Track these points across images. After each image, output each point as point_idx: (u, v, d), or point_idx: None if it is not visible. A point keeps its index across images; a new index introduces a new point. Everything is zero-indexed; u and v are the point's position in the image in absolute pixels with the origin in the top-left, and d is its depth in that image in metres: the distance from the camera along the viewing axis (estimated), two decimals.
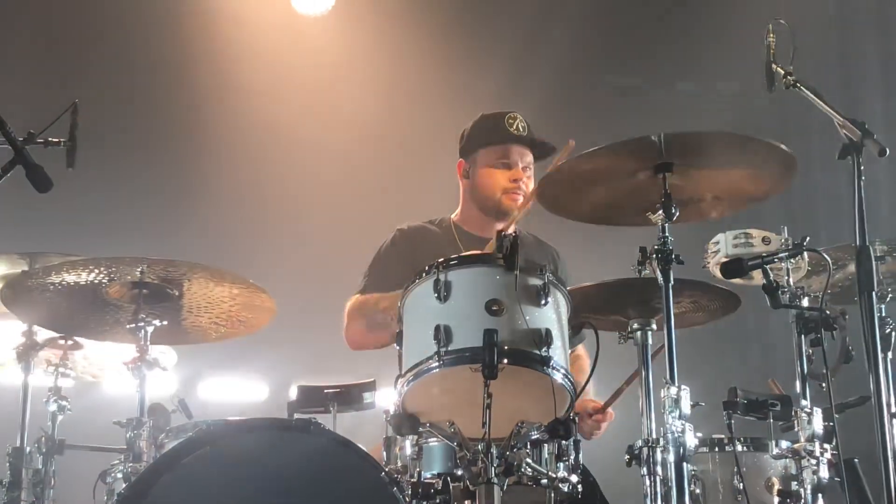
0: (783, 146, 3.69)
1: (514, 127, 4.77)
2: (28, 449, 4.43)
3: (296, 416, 4.16)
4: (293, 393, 4.30)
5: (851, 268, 3.98)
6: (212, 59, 7.52)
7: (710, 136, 3.81)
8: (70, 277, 4.15)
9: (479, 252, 3.90)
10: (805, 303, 3.98)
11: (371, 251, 4.94)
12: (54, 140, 3.57)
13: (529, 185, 4.77)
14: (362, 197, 7.53)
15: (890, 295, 4.29)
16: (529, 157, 4.80)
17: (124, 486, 3.93)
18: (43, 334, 4.57)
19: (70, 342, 4.66)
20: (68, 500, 4.58)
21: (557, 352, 3.38)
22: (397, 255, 4.75)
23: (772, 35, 3.88)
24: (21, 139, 3.45)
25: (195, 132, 7.50)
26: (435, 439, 3.47)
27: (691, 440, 3.55)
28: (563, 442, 3.48)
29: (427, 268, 3.48)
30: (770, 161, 3.78)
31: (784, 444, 3.93)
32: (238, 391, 7.68)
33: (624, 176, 3.79)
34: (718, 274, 4.03)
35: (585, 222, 4.11)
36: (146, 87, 7.46)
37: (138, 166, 7.40)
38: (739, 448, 3.98)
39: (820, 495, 3.85)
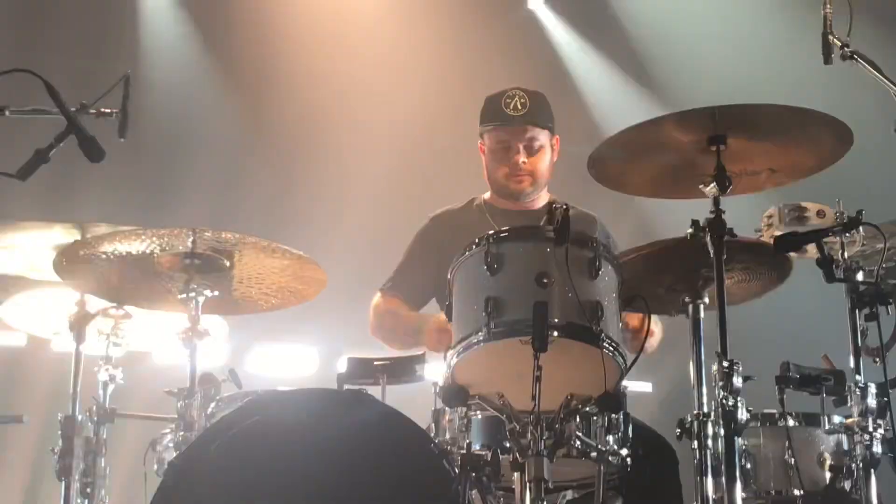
0: (837, 118, 3.64)
1: (511, 106, 4.71)
2: (80, 417, 4.47)
3: (345, 387, 4.17)
4: (343, 365, 4.31)
5: None
6: (266, 33, 7.53)
7: (765, 107, 3.75)
8: (122, 247, 4.17)
9: (529, 224, 3.89)
10: (860, 277, 3.93)
11: (420, 222, 4.95)
12: (106, 111, 3.58)
13: (539, 159, 4.74)
14: (413, 168, 7.53)
15: None
16: (531, 133, 4.74)
17: (175, 454, 3.96)
18: (95, 304, 4.61)
19: (122, 312, 4.69)
20: (119, 468, 4.63)
21: (608, 325, 3.36)
22: (423, 256, 4.79)
23: (829, 5, 3.83)
24: (74, 109, 3.46)
25: (247, 103, 7.53)
26: (484, 411, 3.47)
27: (743, 414, 3.52)
28: (613, 415, 3.46)
29: (477, 240, 3.47)
30: (825, 133, 3.73)
31: (837, 419, 3.90)
32: (288, 363, 7.72)
33: (677, 148, 3.76)
34: (772, 248, 3.99)
35: (637, 195, 4.08)
36: (197, 60, 7.49)
37: (190, 138, 7.44)
38: (791, 423, 3.94)
39: (872, 471, 3.81)
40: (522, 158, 4.71)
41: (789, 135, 3.75)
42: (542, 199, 4.83)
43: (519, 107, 4.70)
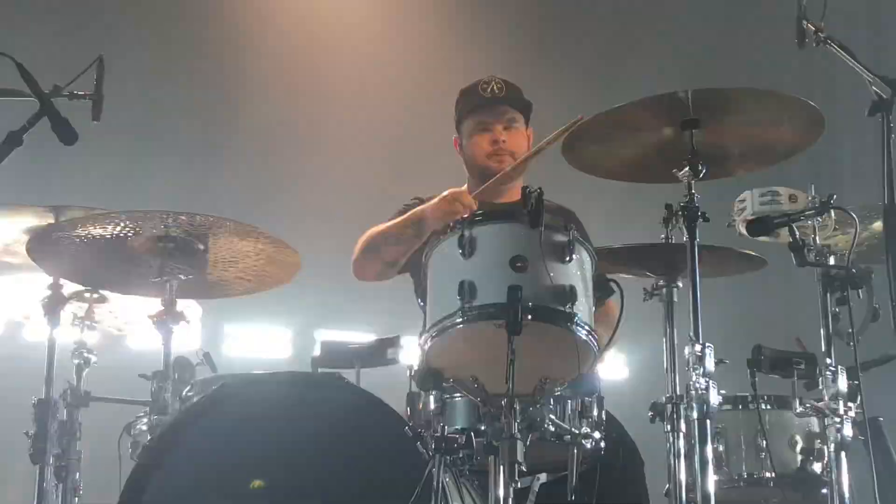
0: (810, 102, 3.66)
1: (489, 90, 4.72)
2: (54, 401, 4.46)
3: (320, 371, 4.18)
4: (318, 348, 4.32)
5: (878, 226, 3.96)
6: (238, 15, 7.51)
7: (738, 91, 3.77)
8: (96, 231, 4.16)
9: (503, 208, 3.89)
10: (831, 261, 3.96)
11: (395, 206, 4.94)
12: (80, 93, 3.56)
13: (517, 139, 4.74)
14: (388, 151, 7.52)
15: None
16: (510, 115, 4.74)
17: (149, 438, 3.96)
18: (69, 288, 4.60)
19: (96, 295, 4.68)
20: (94, 451, 4.62)
21: (582, 308, 3.37)
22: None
23: None
24: (47, 92, 3.45)
25: (220, 86, 7.50)
26: (458, 395, 3.47)
27: (715, 397, 3.54)
28: (587, 398, 3.47)
29: (452, 224, 3.47)
30: (797, 117, 3.75)
31: (808, 402, 3.92)
32: (263, 346, 7.71)
33: (650, 132, 3.77)
34: (744, 231, 4.01)
35: (611, 179, 4.09)
36: (172, 41, 7.45)
37: (164, 120, 7.41)
38: (763, 406, 3.98)
39: (843, 453, 3.84)
40: (503, 137, 4.72)
41: (762, 118, 3.76)
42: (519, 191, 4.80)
43: (496, 90, 4.71)
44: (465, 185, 4.92)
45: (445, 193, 4.29)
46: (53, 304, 4.55)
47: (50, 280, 4.56)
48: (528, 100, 4.78)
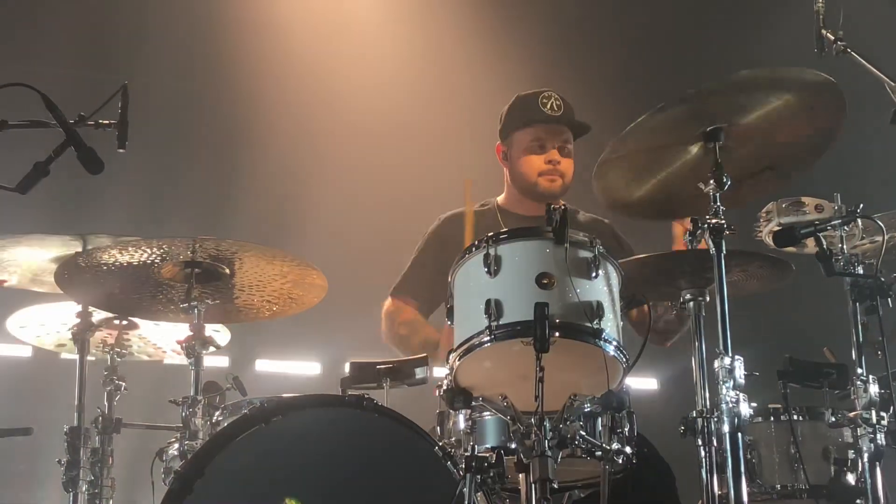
0: (829, 77, 3.58)
1: (549, 107, 4.70)
2: (85, 428, 4.48)
3: (349, 392, 4.18)
4: (346, 369, 4.32)
5: None
6: (261, 37, 7.54)
7: (748, 77, 3.69)
8: (123, 258, 4.18)
9: (527, 226, 3.89)
10: (860, 270, 3.94)
11: (422, 226, 4.95)
12: (105, 122, 3.58)
13: (570, 165, 4.74)
14: (414, 173, 7.53)
15: None
16: (566, 136, 4.75)
17: (180, 463, 3.97)
18: (98, 315, 4.62)
19: (125, 322, 4.71)
20: (126, 478, 4.64)
21: (609, 324, 3.37)
22: (433, 256, 4.78)
23: (820, 1, 3.83)
24: (72, 121, 3.47)
25: (246, 112, 7.53)
26: (488, 413, 3.47)
27: (746, 410, 3.52)
28: (617, 414, 3.46)
29: (477, 242, 3.47)
30: (818, 98, 3.66)
31: (840, 412, 3.90)
32: (291, 368, 7.73)
33: (674, 154, 3.75)
34: (771, 243, 4.00)
35: (644, 218, 4.06)
36: (195, 69, 7.49)
37: (189, 146, 7.45)
38: (795, 417, 3.96)
39: (877, 463, 3.82)
40: (558, 158, 4.71)
41: (781, 107, 3.69)
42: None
43: (556, 108, 4.70)
44: (502, 196, 4.91)
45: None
46: (82, 332, 4.59)
47: (79, 308, 4.58)
48: (582, 122, 4.76)
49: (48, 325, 4.83)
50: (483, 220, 4.79)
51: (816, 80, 3.61)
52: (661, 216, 4.15)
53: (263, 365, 7.56)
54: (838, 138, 3.77)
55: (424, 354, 4.31)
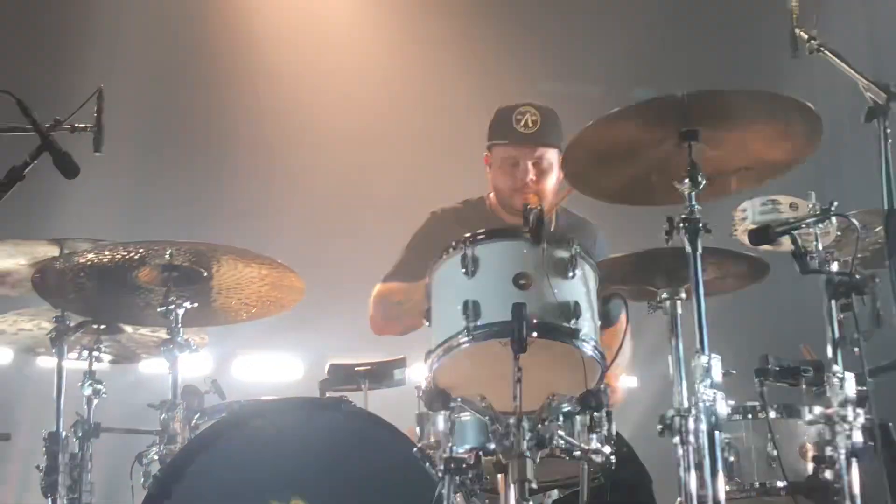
0: (809, 104, 3.64)
1: (523, 123, 4.65)
2: (64, 433, 4.47)
3: (328, 394, 4.18)
4: (325, 371, 4.33)
5: (880, 231, 3.95)
6: (235, 41, 7.53)
7: (736, 93, 3.74)
8: (100, 262, 4.17)
9: (504, 226, 3.90)
10: (834, 268, 3.95)
11: (403, 229, 4.94)
12: (80, 126, 3.57)
13: (546, 177, 4.71)
14: (394, 175, 7.53)
15: None
16: (540, 152, 4.71)
17: (159, 467, 3.96)
18: (75, 319, 4.61)
19: (102, 326, 4.69)
20: (105, 482, 4.63)
21: (586, 323, 3.37)
22: (423, 251, 4.73)
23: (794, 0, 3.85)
24: (47, 126, 3.46)
25: (220, 115, 7.52)
26: (467, 414, 3.47)
27: (723, 408, 3.53)
28: (595, 413, 3.47)
29: (454, 243, 3.47)
30: (796, 121, 3.73)
31: (817, 409, 3.91)
32: (273, 370, 7.71)
33: (649, 147, 3.76)
34: (747, 242, 4.01)
35: (614, 202, 4.06)
36: (170, 71, 7.48)
37: (163, 150, 7.44)
38: (772, 415, 3.97)
39: (854, 460, 3.83)
40: (531, 176, 4.66)
41: (761, 124, 3.74)
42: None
43: (530, 124, 4.64)
44: (490, 195, 4.90)
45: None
46: (60, 337, 4.57)
47: (56, 313, 4.57)
48: (560, 131, 4.71)
49: (26, 331, 4.81)
50: (472, 218, 4.74)
51: (794, 105, 3.64)
52: (633, 202, 4.15)
53: (243, 367, 7.54)
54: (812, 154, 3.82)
55: (402, 356, 4.31)
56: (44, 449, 4.43)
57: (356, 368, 4.25)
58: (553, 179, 4.70)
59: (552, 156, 4.70)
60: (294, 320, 5.21)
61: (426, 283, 3.59)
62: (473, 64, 7.53)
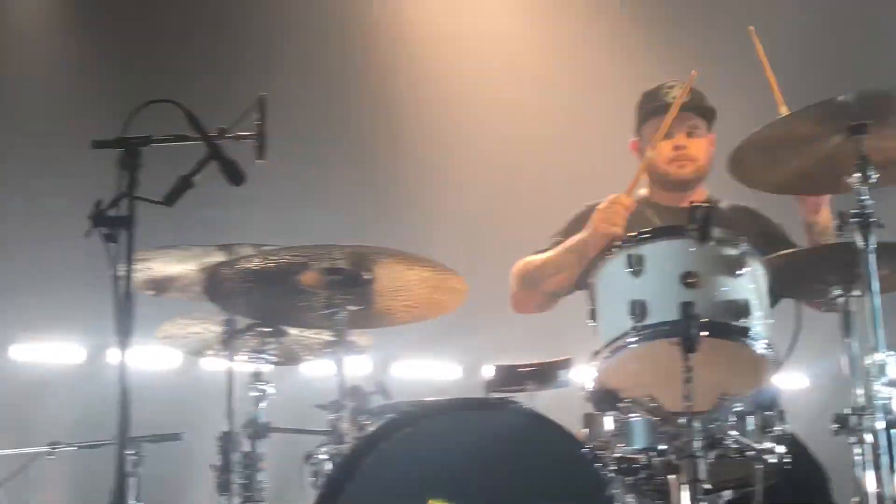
0: None
1: (671, 95, 4.65)
2: (236, 433, 4.57)
3: (492, 395, 4.18)
4: (488, 372, 4.32)
5: None
6: (393, 43, 7.59)
7: None
8: (265, 267, 4.25)
9: (670, 225, 3.85)
10: None
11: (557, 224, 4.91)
12: (244, 134, 3.63)
13: (700, 147, 4.66)
14: (552, 180, 7.50)
15: None
16: (692, 121, 4.66)
17: (331, 467, 4.02)
18: (242, 322, 4.70)
19: (269, 329, 4.78)
20: (277, 481, 4.71)
21: (757, 322, 3.32)
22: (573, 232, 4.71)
23: None
24: (213, 135, 3.53)
25: (382, 119, 7.59)
26: (636, 414, 3.45)
27: None
28: (768, 413, 3.41)
29: (619, 242, 3.45)
30: None
31: None
32: (431, 372, 7.76)
33: (816, 142, 3.68)
34: None
35: (779, 193, 3.99)
36: (334, 78, 7.57)
37: (327, 155, 7.53)
38: None
39: None
40: (685, 143, 4.65)
41: None
42: (701, 194, 4.71)
43: (677, 95, 4.65)
44: (647, 189, 4.85)
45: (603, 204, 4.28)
46: (229, 339, 4.67)
47: (225, 316, 4.67)
48: (710, 106, 4.71)
49: (195, 334, 4.93)
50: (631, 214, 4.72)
51: None
52: (799, 192, 4.06)
53: (402, 369, 7.61)
54: None
55: (568, 357, 4.27)
56: (217, 448, 4.53)
57: (521, 369, 4.24)
58: (706, 150, 4.66)
59: (703, 126, 4.66)
60: (448, 324, 5.24)
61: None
62: (625, 64, 7.45)
